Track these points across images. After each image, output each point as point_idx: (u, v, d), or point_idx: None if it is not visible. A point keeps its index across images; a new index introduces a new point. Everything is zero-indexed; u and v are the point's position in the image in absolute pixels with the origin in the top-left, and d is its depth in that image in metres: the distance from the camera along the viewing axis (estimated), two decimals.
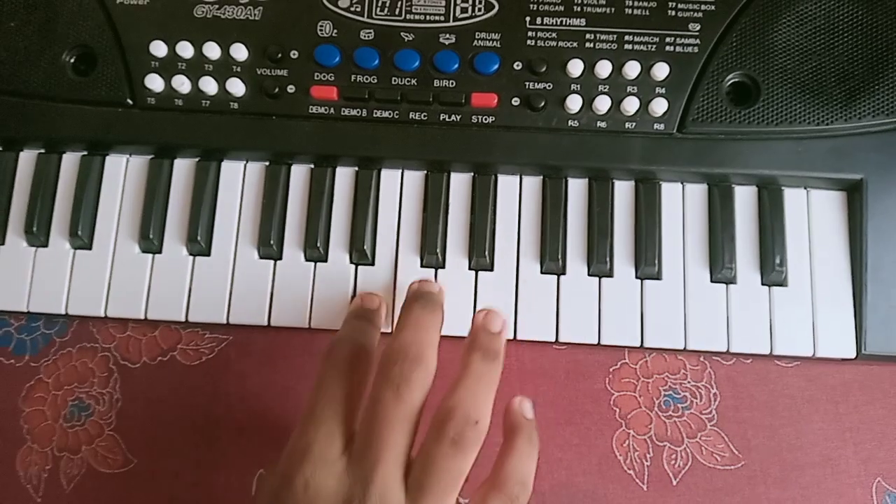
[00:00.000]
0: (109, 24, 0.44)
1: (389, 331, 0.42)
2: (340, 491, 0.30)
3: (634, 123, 0.43)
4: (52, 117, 0.44)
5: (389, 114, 0.43)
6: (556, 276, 0.42)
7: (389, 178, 0.44)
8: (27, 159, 0.45)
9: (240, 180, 0.44)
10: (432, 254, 0.42)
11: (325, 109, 0.43)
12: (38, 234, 0.43)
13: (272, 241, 0.43)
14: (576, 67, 0.43)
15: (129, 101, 0.44)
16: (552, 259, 0.42)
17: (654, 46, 0.43)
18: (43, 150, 0.45)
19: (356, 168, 0.44)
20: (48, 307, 0.43)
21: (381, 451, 0.31)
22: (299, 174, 0.44)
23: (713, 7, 0.43)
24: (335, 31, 0.44)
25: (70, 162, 0.45)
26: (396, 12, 0.44)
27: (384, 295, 0.42)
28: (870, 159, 0.42)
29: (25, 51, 0.44)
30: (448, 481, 0.31)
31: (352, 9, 0.44)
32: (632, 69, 0.43)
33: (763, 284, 0.42)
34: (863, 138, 0.42)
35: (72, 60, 0.44)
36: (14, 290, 0.43)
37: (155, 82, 0.43)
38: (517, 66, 0.43)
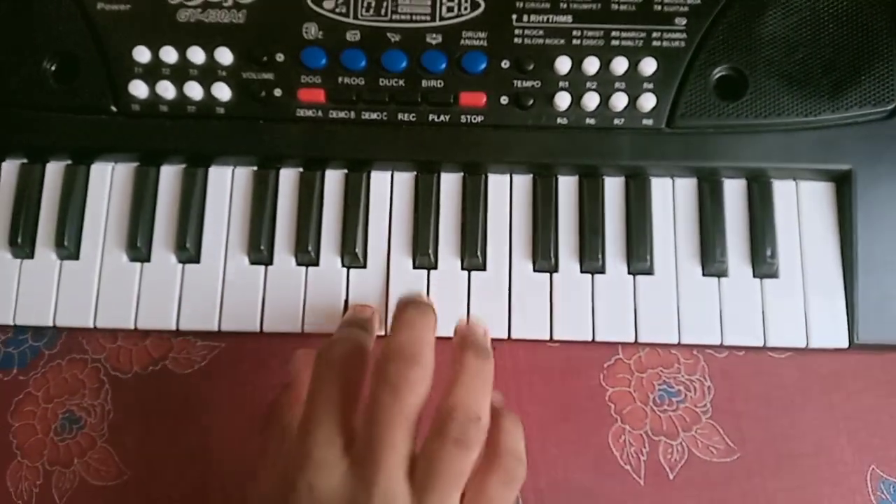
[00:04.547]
0: (91, 30, 0.44)
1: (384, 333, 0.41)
2: (345, 493, 0.30)
3: (623, 119, 0.43)
4: (35, 126, 0.43)
5: (378, 115, 0.43)
6: (548, 274, 0.42)
7: (379, 180, 0.43)
8: (9, 170, 0.44)
9: (228, 186, 0.44)
10: (424, 255, 0.42)
11: (313, 112, 0.43)
12: (22, 245, 0.43)
13: (262, 247, 0.42)
14: (563, 65, 0.42)
15: (113, 109, 0.43)
16: (544, 257, 0.42)
17: (641, 42, 0.43)
18: (26, 160, 0.44)
19: (346, 171, 0.44)
20: (35, 319, 0.42)
21: (383, 453, 0.30)
22: (288, 178, 0.44)
23: (699, 1, 0.43)
24: (321, 32, 0.44)
25: (54, 171, 0.44)
26: (382, 13, 0.44)
27: (377, 298, 0.42)
28: (858, 149, 0.42)
29: (5, 59, 0.43)
30: (453, 480, 0.31)
31: (337, 10, 0.44)
32: (619, 65, 0.43)
33: (755, 277, 0.42)
34: (850, 129, 0.42)
35: (53, 68, 0.44)
36: (0, 303, 0.42)
37: (139, 88, 0.43)
38: (505, 64, 0.43)
